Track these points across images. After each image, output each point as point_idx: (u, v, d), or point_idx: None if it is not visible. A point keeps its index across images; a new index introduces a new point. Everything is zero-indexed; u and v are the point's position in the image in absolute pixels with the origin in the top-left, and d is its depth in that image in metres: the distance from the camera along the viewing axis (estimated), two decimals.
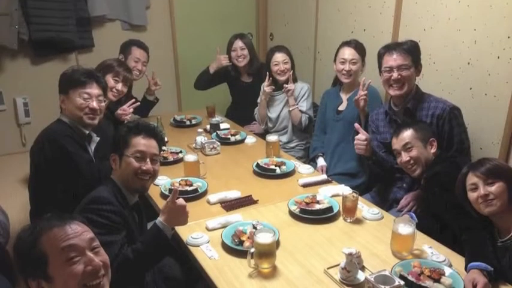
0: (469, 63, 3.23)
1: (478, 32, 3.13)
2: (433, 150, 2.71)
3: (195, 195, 2.82)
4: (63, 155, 2.69)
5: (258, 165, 3.20)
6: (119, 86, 3.50)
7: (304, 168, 3.25)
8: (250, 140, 3.86)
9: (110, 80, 3.43)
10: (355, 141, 3.04)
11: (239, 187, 2.93)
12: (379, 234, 2.41)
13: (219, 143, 3.61)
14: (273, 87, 4.07)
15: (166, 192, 2.82)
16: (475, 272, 1.95)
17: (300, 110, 3.97)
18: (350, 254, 1.97)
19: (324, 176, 3.15)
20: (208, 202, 2.77)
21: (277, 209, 2.69)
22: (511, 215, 2.13)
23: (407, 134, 2.71)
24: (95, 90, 2.84)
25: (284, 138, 4.11)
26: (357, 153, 3.13)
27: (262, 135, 4.04)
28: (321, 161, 3.71)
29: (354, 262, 1.99)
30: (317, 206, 2.60)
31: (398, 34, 3.78)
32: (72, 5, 4.59)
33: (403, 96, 2.97)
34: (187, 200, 2.41)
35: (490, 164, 2.17)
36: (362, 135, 3.01)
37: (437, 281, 1.94)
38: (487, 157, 2.28)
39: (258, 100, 4.25)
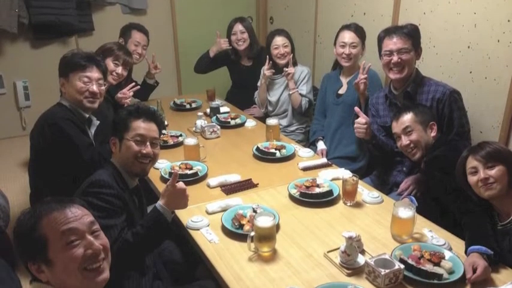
0: (469, 47, 3.21)
1: (478, 16, 3.11)
2: (433, 134, 2.71)
3: (195, 179, 2.83)
4: (63, 138, 2.69)
5: (258, 148, 3.20)
6: (119, 69, 3.49)
7: (304, 152, 3.25)
8: (250, 123, 3.86)
9: (109, 63, 3.42)
10: (355, 125, 3.04)
11: (239, 171, 2.93)
12: (379, 218, 2.42)
13: (219, 127, 3.60)
14: (273, 70, 4.05)
15: (166, 176, 2.83)
16: (475, 256, 1.95)
17: (300, 94, 3.96)
18: (350, 238, 1.98)
19: (324, 160, 3.15)
20: (208, 186, 2.78)
21: (277, 193, 2.70)
22: (511, 199, 2.13)
23: (407, 117, 2.71)
24: (95, 73, 2.83)
25: (284, 122, 4.11)
26: (357, 136, 3.13)
27: (262, 118, 4.03)
28: (321, 145, 3.70)
29: (354, 246, 1.99)
30: (317, 190, 2.61)
31: (398, 18, 3.76)
32: None
33: (403, 80, 2.96)
34: (187, 183, 2.41)
35: (490, 147, 2.17)
36: (362, 119, 3.01)
37: (437, 264, 1.95)
38: (487, 141, 2.28)
39: (258, 84, 4.24)
